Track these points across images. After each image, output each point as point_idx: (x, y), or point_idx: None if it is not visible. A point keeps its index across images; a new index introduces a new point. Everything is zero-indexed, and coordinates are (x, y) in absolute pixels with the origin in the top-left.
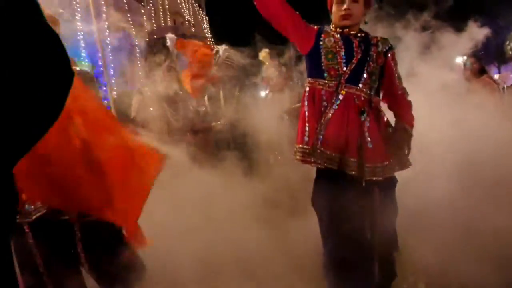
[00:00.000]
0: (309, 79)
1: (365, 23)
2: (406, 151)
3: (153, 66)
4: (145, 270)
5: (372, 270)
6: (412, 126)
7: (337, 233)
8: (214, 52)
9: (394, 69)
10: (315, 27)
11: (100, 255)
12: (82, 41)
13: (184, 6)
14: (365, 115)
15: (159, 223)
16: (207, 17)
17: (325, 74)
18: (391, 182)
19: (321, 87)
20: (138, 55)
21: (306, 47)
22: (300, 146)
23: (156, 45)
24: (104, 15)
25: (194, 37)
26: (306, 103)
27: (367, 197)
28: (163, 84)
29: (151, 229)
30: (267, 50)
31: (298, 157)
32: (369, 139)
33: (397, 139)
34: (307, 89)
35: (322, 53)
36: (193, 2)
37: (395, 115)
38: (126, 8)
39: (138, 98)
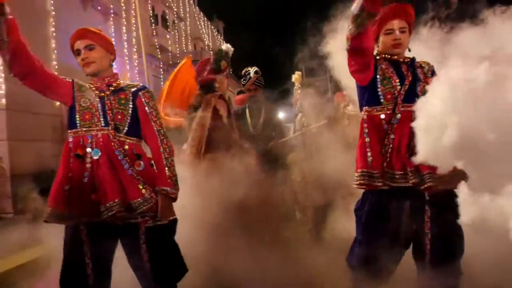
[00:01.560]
0: (366, 107)
1: (409, 50)
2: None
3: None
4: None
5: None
6: None
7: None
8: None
9: None
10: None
11: (158, 256)
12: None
13: (205, 31)
14: None
15: None
16: (224, 42)
17: (381, 100)
18: (443, 198)
19: (379, 112)
20: (161, 75)
21: (367, 79)
22: (365, 170)
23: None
24: (133, 39)
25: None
26: (366, 131)
27: (415, 210)
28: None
29: None
30: (299, 72)
31: (362, 182)
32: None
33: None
34: (365, 117)
35: (379, 80)
36: (213, 27)
37: None
38: (154, 33)
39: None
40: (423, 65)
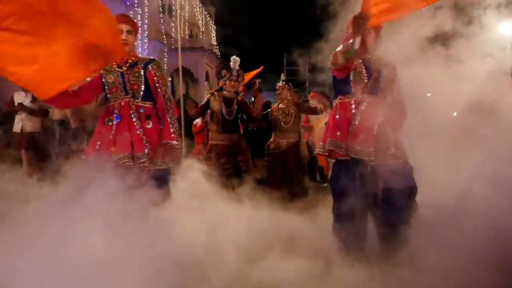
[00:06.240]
0: (340, 96)
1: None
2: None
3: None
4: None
5: (363, 234)
6: None
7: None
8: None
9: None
10: None
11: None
12: None
13: (199, 17)
14: None
15: None
16: (215, 26)
17: (352, 90)
18: (395, 169)
19: (350, 99)
20: (165, 58)
21: (345, 75)
22: (333, 140)
23: (221, 64)
24: (145, 26)
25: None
26: (338, 112)
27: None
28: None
29: None
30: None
31: (329, 148)
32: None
33: None
34: (338, 102)
35: (352, 74)
36: (206, 13)
37: None
38: (162, 21)
39: (207, 97)
40: (388, 64)
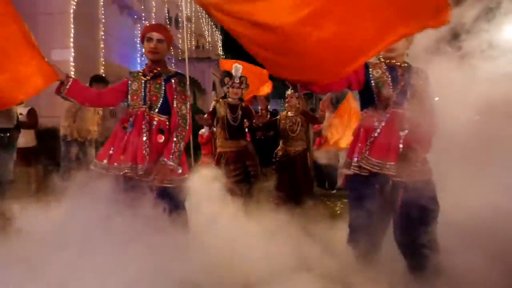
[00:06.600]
0: (365, 110)
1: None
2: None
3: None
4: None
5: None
6: None
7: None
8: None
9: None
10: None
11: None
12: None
13: (206, 28)
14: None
15: None
16: (221, 36)
17: (376, 102)
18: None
19: (373, 112)
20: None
21: (356, 86)
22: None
23: (224, 73)
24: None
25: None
26: (362, 130)
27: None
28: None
29: None
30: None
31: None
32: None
33: None
34: (363, 117)
35: (373, 84)
36: (212, 23)
37: None
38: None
39: (213, 104)
40: (419, 72)
